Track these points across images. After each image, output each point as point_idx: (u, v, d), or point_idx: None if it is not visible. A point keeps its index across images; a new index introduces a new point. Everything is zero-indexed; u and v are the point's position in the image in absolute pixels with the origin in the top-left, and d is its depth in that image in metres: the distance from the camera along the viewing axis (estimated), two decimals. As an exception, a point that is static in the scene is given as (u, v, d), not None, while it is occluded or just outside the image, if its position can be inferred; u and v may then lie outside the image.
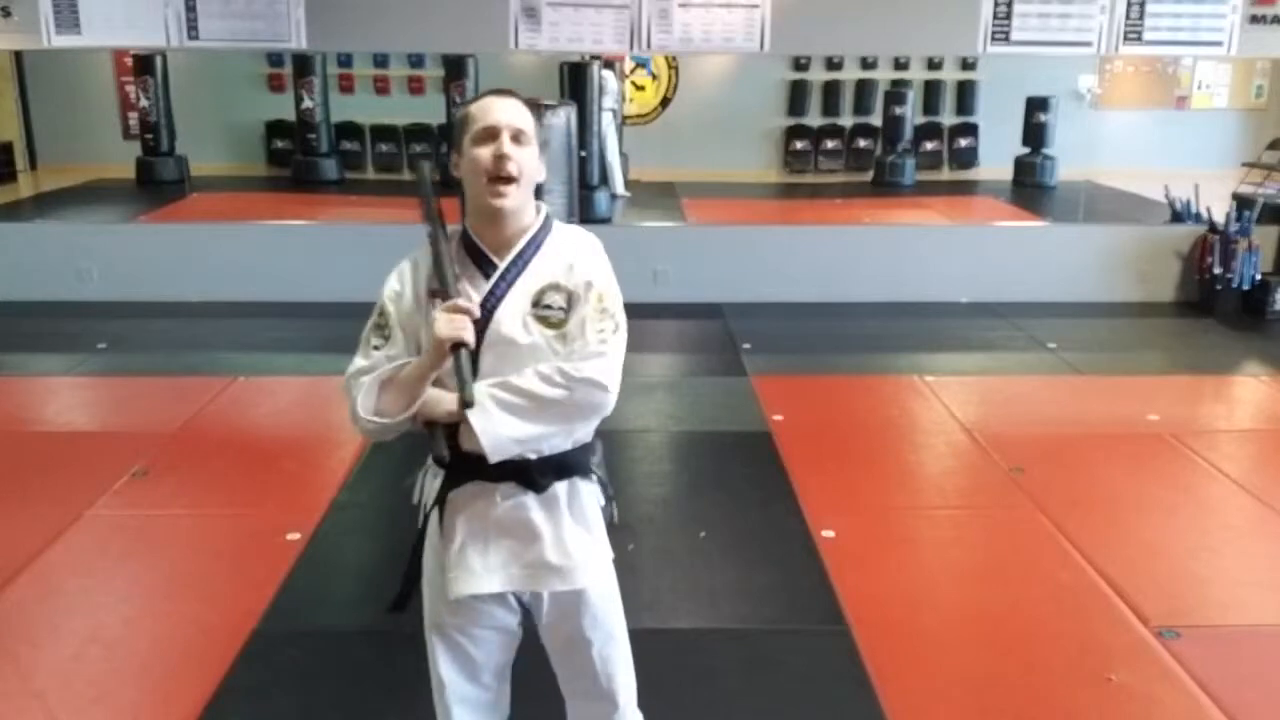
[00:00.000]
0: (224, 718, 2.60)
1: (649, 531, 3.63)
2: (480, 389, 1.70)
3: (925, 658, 2.91)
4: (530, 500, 1.79)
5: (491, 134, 1.74)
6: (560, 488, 1.81)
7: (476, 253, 1.80)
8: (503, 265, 1.78)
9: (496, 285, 1.77)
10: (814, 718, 2.65)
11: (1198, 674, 2.76)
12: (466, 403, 1.67)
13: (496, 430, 1.69)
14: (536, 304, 1.77)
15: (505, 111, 1.76)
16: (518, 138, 1.75)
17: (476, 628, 1.88)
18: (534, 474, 1.78)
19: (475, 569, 1.81)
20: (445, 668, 1.91)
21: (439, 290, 1.74)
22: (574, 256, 1.80)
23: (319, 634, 3.03)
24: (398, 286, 1.82)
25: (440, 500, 1.82)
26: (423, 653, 1.96)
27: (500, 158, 1.73)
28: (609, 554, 1.92)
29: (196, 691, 2.67)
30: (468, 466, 1.75)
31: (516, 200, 1.77)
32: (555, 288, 1.77)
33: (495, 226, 1.79)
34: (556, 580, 1.82)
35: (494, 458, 1.71)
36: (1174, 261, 7.14)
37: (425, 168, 1.86)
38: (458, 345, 1.68)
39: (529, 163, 1.77)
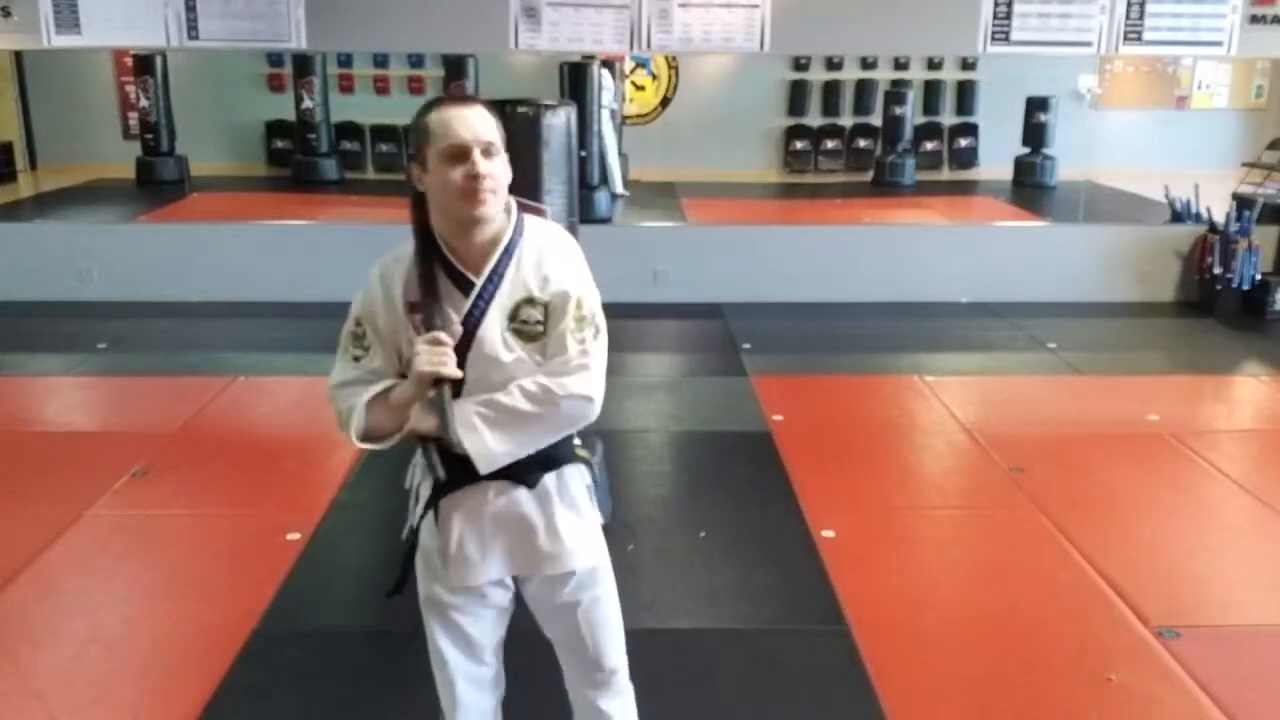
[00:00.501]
0: (224, 718, 2.60)
1: (649, 531, 3.62)
2: (467, 407, 1.73)
3: (925, 658, 2.91)
4: (523, 494, 1.82)
5: (462, 153, 1.67)
6: (550, 478, 1.84)
7: (452, 270, 1.77)
8: (480, 283, 1.76)
9: (475, 304, 1.75)
10: (814, 718, 2.65)
11: (1198, 674, 2.76)
12: (449, 440, 1.70)
13: (489, 449, 1.72)
14: (513, 319, 1.76)
15: (471, 126, 1.69)
16: (488, 151, 1.69)
17: (474, 607, 1.91)
18: (523, 472, 1.80)
19: (475, 561, 1.84)
20: (446, 645, 1.93)
21: (419, 304, 1.74)
22: (549, 265, 1.78)
23: (319, 634, 3.03)
24: (377, 293, 1.80)
25: (434, 498, 1.83)
26: (423, 653, 1.97)
27: (474, 178, 1.68)
28: (598, 521, 1.94)
29: (196, 691, 2.68)
30: (461, 470, 1.76)
31: (495, 208, 1.74)
32: (530, 302, 1.76)
33: (469, 236, 1.75)
34: (550, 565, 1.86)
35: (485, 470, 1.74)
36: (1174, 261, 7.14)
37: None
38: (439, 380, 1.69)
39: (502, 174, 1.73)
